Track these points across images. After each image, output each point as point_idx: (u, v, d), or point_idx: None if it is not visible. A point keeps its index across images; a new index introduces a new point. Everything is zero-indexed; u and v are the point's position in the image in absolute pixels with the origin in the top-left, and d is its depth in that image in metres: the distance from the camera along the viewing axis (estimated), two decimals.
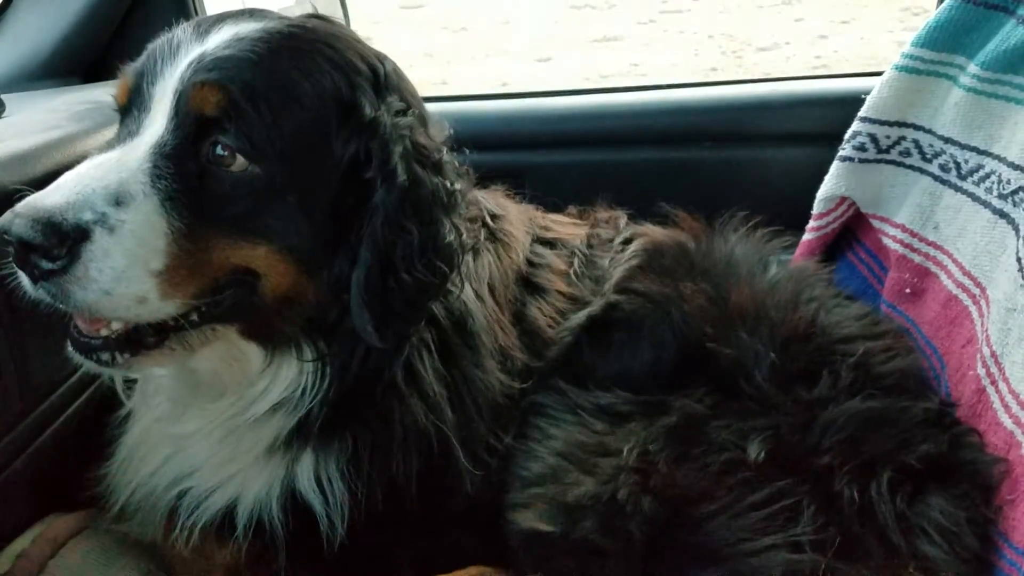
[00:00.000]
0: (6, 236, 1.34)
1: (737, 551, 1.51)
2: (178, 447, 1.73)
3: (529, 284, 1.99)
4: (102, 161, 1.43)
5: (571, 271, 2.07)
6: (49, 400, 1.78)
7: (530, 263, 2.02)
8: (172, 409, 1.72)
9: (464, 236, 1.66)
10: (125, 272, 1.38)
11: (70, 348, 1.53)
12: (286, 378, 1.64)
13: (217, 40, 1.50)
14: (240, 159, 1.45)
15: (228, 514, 1.70)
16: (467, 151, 1.80)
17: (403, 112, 1.58)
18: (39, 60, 2.47)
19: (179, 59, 1.49)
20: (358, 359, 1.62)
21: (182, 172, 1.44)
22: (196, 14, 2.65)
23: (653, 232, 2.19)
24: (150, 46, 1.58)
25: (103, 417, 1.84)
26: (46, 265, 1.36)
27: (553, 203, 2.34)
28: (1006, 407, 1.71)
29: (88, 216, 1.35)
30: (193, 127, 1.45)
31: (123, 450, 1.80)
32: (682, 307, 1.89)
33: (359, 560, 1.72)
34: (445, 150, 1.67)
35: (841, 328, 1.88)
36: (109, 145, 1.50)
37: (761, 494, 1.56)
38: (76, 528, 1.80)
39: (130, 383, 1.78)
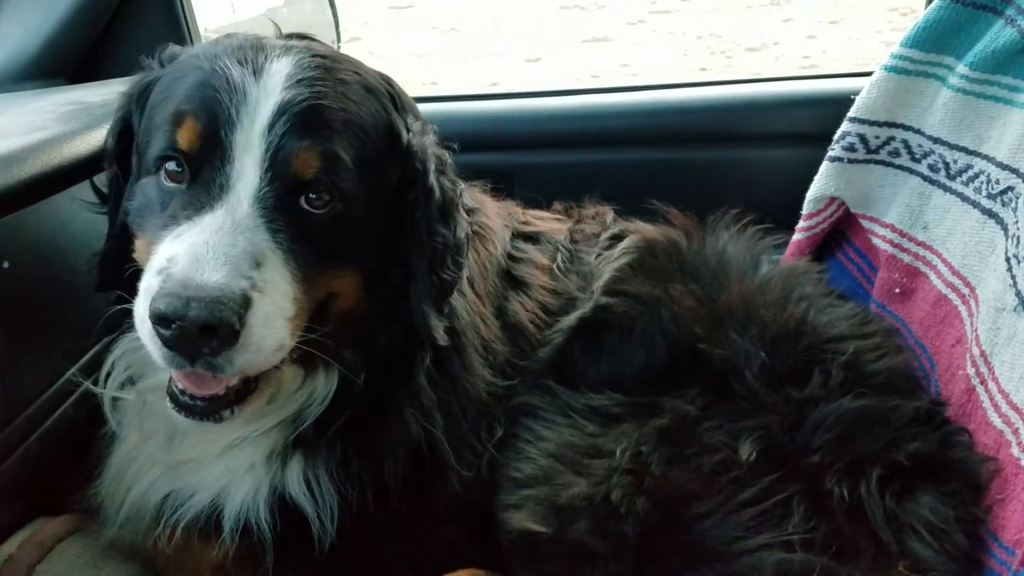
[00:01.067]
0: (181, 323, 1.34)
1: (730, 551, 1.52)
2: (171, 469, 1.73)
3: (511, 278, 2.01)
4: (217, 225, 1.43)
5: (555, 266, 2.07)
6: (35, 404, 1.77)
7: (511, 257, 2.04)
8: (168, 433, 1.72)
9: (468, 228, 1.77)
10: (276, 326, 1.44)
11: (182, 415, 1.53)
12: (304, 393, 1.68)
13: (279, 82, 1.50)
14: (330, 202, 1.52)
15: (214, 514, 1.70)
16: (456, 150, 1.83)
17: (423, 131, 1.68)
18: (25, 61, 2.45)
19: (251, 103, 1.48)
20: (388, 368, 1.68)
21: (288, 222, 1.48)
22: (184, 17, 2.64)
23: (644, 229, 2.19)
24: (193, 78, 1.53)
25: (91, 422, 1.82)
26: (219, 343, 1.37)
27: (540, 203, 2.34)
28: (995, 406, 1.71)
29: (246, 284, 1.39)
30: (292, 183, 1.49)
31: (111, 470, 1.78)
32: (672, 308, 1.89)
33: (349, 561, 1.71)
34: (447, 153, 1.76)
35: (831, 327, 1.88)
36: (196, 205, 1.46)
37: (753, 493, 1.56)
38: (64, 532, 1.78)
39: (116, 401, 1.76)
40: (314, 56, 1.57)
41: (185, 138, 1.49)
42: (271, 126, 1.47)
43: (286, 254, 1.46)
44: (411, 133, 1.64)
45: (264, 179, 1.46)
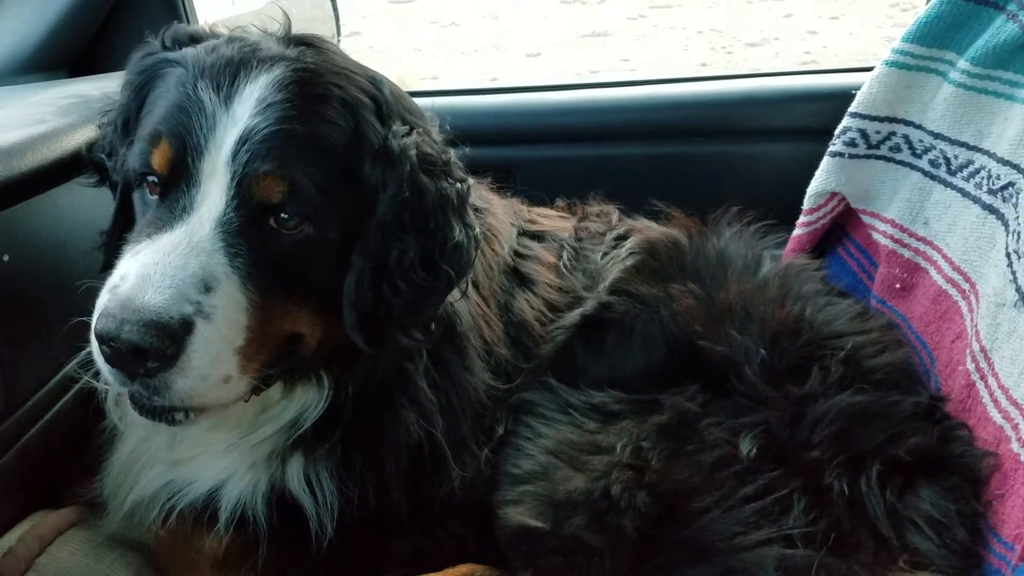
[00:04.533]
0: (113, 343, 1.36)
1: (730, 546, 1.52)
2: (173, 467, 1.74)
3: (517, 274, 2.00)
4: (172, 245, 1.43)
5: (560, 263, 2.07)
6: (35, 397, 1.77)
7: (518, 254, 2.03)
8: (170, 432, 1.71)
9: (477, 230, 1.69)
10: (219, 354, 1.43)
11: (136, 412, 1.53)
12: (299, 401, 1.68)
13: (247, 109, 1.49)
14: (298, 224, 1.50)
15: (210, 504, 1.71)
16: (457, 145, 1.80)
17: (407, 133, 1.61)
18: (25, 54, 2.45)
19: (219, 133, 1.48)
20: (376, 380, 1.66)
21: (250, 246, 1.47)
22: (184, 11, 2.64)
23: (648, 229, 2.19)
24: (174, 96, 1.54)
25: (91, 415, 1.83)
26: (152, 364, 1.38)
27: (541, 198, 2.34)
28: (995, 402, 1.71)
29: (188, 309, 1.39)
30: (257, 209, 1.48)
31: (115, 466, 1.79)
32: (671, 307, 1.90)
33: (349, 556, 1.72)
34: (451, 152, 1.71)
35: (830, 323, 1.88)
36: (158, 223, 1.47)
37: (753, 488, 1.56)
38: (64, 525, 1.78)
39: (119, 397, 1.75)
40: (296, 71, 1.54)
41: (157, 161, 1.52)
42: (235, 154, 1.47)
43: (244, 279, 1.45)
44: (389, 138, 1.58)
45: (230, 204, 1.47)
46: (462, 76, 8.19)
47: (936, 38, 2.14)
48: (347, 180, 1.55)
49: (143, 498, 1.75)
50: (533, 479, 1.71)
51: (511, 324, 1.92)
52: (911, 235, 2.19)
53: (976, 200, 1.98)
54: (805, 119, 2.71)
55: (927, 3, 2.21)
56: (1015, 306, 1.72)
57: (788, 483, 1.57)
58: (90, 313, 1.46)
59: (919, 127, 2.20)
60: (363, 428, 1.69)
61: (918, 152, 2.21)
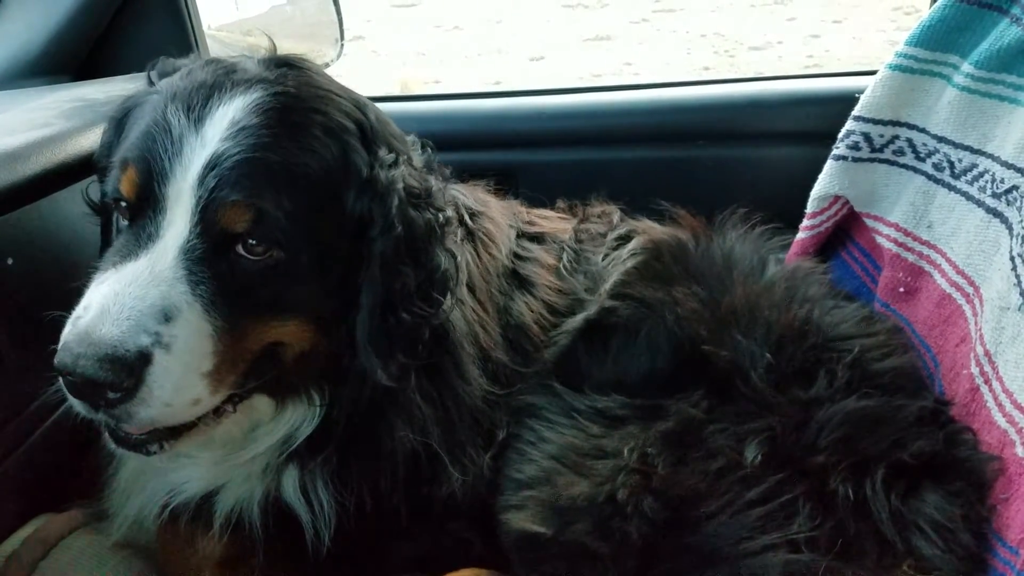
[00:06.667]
0: (70, 377, 1.36)
1: (736, 552, 1.51)
2: (169, 473, 1.75)
3: (516, 277, 1.99)
4: (133, 275, 1.43)
5: (560, 265, 2.07)
6: (38, 401, 1.77)
7: (517, 256, 2.03)
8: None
9: (457, 258, 1.71)
10: (183, 382, 1.43)
11: (113, 444, 1.55)
12: (290, 419, 1.68)
13: (218, 132, 1.48)
14: (267, 251, 1.49)
15: (206, 506, 1.72)
16: (435, 150, 1.83)
17: (394, 163, 1.61)
18: (30, 58, 2.46)
19: (186, 157, 1.47)
20: (366, 397, 1.65)
21: (215, 273, 1.46)
22: (188, 14, 2.64)
23: (651, 230, 2.19)
24: (145, 122, 1.54)
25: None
26: (112, 396, 1.38)
27: (543, 202, 2.34)
28: (1000, 406, 1.71)
29: (145, 340, 1.38)
30: (221, 237, 1.47)
31: (120, 483, 1.80)
32: (676, 311, 1.89)
33: (349, 561, 1.72)
34: (432, 181, 1.70)
35: (836, 327, 1.87)
36: (124, 251, 1.47)
37: (759, 494, 1.56)
38: (67, 529, 1.78)
39: None
40: (276, 95, 1.53)
41: (125, 187, 1.52)
42: (202, 179, 1.45)
43: (207, 306, 1.44)
44: (376, 167, 1.57)
45: (193, 231, 1.46)
46: (465, 80, 8.20)
47: (940, 42, 2.13)
48: (325, 207, 1.54)
49: (146, 507, 1.76)
50: (536, 484, 1.70)
51: (510, 327, 1.91)
52: (915, 239, 2.18)
53: (980, 204, 1.98)
54: (808, 123, 2.70)
55: (931, 7, 2.21)
56: (1019, 310, 1.71)
57: (793, 488, 1.56)
58: None
59: (923, 131, 2.19)
60: (357, 440, 1.69)
61: (922, 156, 2.20)
